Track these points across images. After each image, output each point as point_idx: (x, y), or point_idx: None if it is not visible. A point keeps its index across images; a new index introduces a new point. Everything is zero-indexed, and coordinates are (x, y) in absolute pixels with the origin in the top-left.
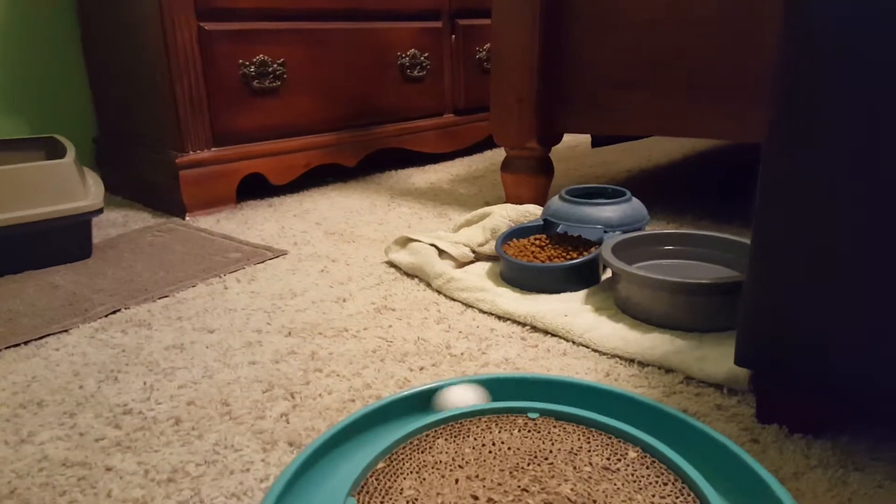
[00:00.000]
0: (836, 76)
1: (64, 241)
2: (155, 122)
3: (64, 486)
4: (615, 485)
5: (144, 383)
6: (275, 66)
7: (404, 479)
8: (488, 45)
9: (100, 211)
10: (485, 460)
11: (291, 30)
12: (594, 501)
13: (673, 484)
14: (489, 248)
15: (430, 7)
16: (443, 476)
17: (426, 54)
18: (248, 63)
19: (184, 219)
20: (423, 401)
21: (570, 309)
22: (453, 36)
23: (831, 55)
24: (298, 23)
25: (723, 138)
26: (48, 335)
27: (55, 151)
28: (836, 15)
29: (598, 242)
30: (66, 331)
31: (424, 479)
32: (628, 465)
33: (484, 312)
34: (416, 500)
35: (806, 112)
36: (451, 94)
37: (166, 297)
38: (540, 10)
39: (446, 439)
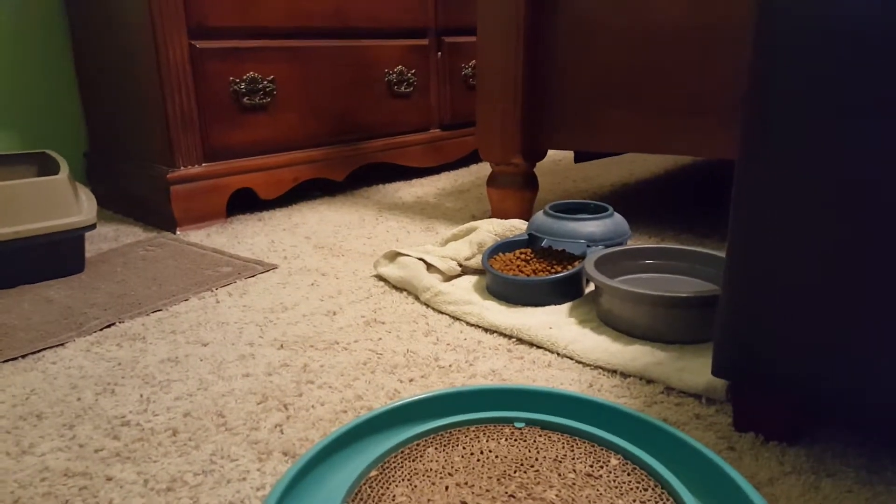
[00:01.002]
0: (805, 91)
1: (58, 255)
2: (146, 138)
3: (66, 495)
4: (598, 490)
5: (141, 395)
6: (265, 83)
7: (396, 486)
8: (473, 61)
9: (93, 226)
10: (473, 468)
11: (281, 48)
12: None
13: (653, 490)
14: (476, 261)
15: (416, 25)
16: (433, 483)
17: (413, 71)
18: (238, 80)
19: (174, 233)
20: (413, 412)
21: (554, 321)
22: (439, 53)
23: (801, 69)
24: (288, 41)
25: (699, 155)
26: (45, 349)
27: (47, 167)
28: (805, 33)
29: (582, 257)
30: (62, 344)
31: (416, 486)
32: (610, 472)
33: (471, 325)
34: None
35: (776, 124)
36: (438, 109)
37: (159, 310)
38: (524, 29)
39: (436, 448)
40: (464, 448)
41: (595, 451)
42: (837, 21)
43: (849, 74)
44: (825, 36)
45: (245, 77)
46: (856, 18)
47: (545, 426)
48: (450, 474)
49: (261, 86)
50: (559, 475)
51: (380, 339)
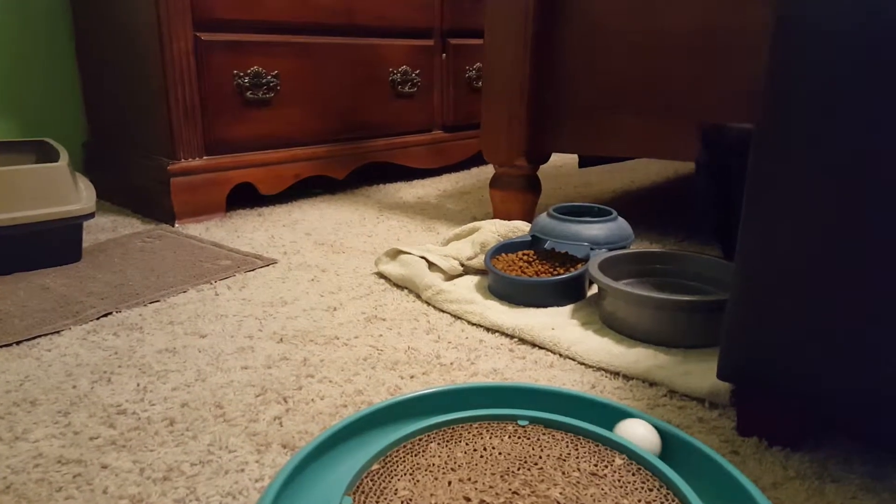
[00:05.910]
0: (821, 98)
1: (55, 243)
2: (148, 129)
3: (60, 482)
4: (602, 489)
5: (138, 385)
6: (269, 77)
7: (399, 480)
8: (478, 64)
9: (91, 215)
10: (476, 464)
11: (286, 43)
12: None
13: (658, 490)
14: (478, 261)
15: (422, 25)
16: (436, 478)
17: (417, 71)
18: (242, 74)
19: (173, 226)
20: (415, 407)
21: (556, 323)
22: (444, 54)
23: (818, 76)
24: (293, 36)
25: None
26: (40, 336)
27: (46, 155)
28: (823, 40)
29: (585, 259)
30: (57, 332)
31: (418, 481)
32: (615, 472)
33: (473, 324)
34: (411, 500)
35: (789, 131)
36: (441, 110)
37: (157, 301)
38: (531, 32)
39: (439, 444)
40: (466, 444)
41: (599, 450)
42: (855, 28)
43: (868, 81)
44: (843, 42)
45: (249, 71)
46: (876, 24)
47: (549, 424)
48: (452, 470)
49: (265, 80)
50: (563, 473)
51: (380, 335)
